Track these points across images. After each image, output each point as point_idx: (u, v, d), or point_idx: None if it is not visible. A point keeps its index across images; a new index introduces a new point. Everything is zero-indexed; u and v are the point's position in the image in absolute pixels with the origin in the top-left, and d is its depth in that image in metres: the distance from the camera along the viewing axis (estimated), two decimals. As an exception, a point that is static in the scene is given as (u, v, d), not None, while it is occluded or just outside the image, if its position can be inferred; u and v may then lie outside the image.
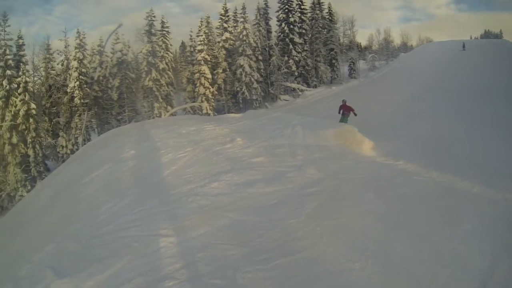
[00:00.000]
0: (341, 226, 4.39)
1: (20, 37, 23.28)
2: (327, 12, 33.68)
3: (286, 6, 30.69)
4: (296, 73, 29.96)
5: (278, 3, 31.12)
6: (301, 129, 7.15)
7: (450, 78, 24.09)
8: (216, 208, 4.69)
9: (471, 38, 55.07)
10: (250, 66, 27.66)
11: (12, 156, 21.06)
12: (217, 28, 29.75)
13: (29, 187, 20.82)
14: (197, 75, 26.48)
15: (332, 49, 32.80)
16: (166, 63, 25.72)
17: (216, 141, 7.54)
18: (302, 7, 31.59)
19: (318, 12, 32.54)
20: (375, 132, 9.99)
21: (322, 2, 33.23)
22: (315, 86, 30.75)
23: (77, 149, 22.29)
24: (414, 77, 27.57)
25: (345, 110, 14.55)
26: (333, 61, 32.92)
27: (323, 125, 7.81)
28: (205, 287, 3.51)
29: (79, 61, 24.64)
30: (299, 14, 31.20)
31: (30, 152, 21.63)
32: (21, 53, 23.26)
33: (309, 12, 32.27)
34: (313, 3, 32.68)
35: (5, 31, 21.92)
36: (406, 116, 14.91)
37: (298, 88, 29.63)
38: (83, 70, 24.78)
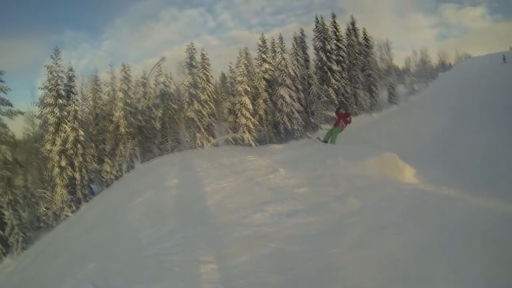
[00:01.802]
0: (381, 256, 4.26)
1: (70, 69, 24.69)
2: (362, 38, 33.29)
3: (322, 34, 30.91)
4: (336, 102, 29.74)
5: (314, 31, 31.37)
6: (343, 158, 7.09)
7: (493, 95, 22.84)
8: (258, 237, 4.72)
9: (510, 48, 52.61)
10: (290, 96, 27.79)
11: (60, 178, 22.23)
12: (256, 59, 30.16)
13: (74, 208, 21.83)
14: (238, 105, 26.91)
15: (370, 75, 32.38)
16: (208, 94, 26.47)
17: (258, 171, 7.59)
18: (338, 34, 31.62)
19: (353, 38, 32.39)
20: (417, 158, 9.73)
21: (357, 28, 33.05)
22: (355, 114, 30.34)
23: (120, 175, 23.21)
24: (454, 97, 26.60)
25: (340, 118, 13.93)
26: (372, 87, 32.48)
27: (365, 153, 7.70)
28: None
29: (124, 92, 25.96)
30: (335, 41, 31.23)
31: (77, 175, 22.73)
32: (71, 83, 24.60)
33: (345, 39, 32.18)
34: (348, 29, 32.60)
35: (57, 63, 23.52)
36: (449, 139, 14.39)
37: (338, 117, 29.38)
38: (128, 100, 26.08)
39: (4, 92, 21.76)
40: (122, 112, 25.34)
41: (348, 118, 14.09)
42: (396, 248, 4.44)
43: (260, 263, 4.23)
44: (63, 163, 22.40)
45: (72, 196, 22.44)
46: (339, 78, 30.12)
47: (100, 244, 7.03)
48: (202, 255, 4.58)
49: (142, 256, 5.16)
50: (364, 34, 33.43)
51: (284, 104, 27.72)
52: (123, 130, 25.17)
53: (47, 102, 23.09)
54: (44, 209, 22.15)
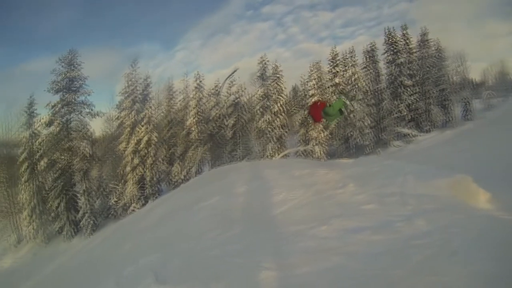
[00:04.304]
0: (447, 284, 4.01)
1: (147, 78, 27.00)
2: (435, 49, 31.62)
3: (393, 47, 30.18)
4: (408, 118, 28.81)
5: (385, 44, 30.70)
6: (413, 178, 6.77)
7: None
8: (321, 250, 4.66)
9: None
10: (362, 111, 27.58)
11: (131, 175, 24.44)
12: (327, 72, 30.10)
13: (141, 203, 23.75)
14: (310, 118, 26.97)
15: (443, 89, 30.67)
16: (280, 106, 27.04)
17: (328, 185, 7.46)
18: (409, 46, 30.64)
19: (425, 50, 31.03)
20: (494, 182, 8.93)
21: (429, 39, 31.57)
22: (428, 131, 29.08)
23: (189, 178, 24.42)
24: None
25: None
26: (445, 102, 30.73)
27: (436, 174, 7.26)
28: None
29: (197, 101, 27.36)
30: (407, 54, 30.26)
31: (148, 174, 24.74)
32: (147, 90, 26.84)
33: (417, 51, 30.98)
34: (419, 41, 31.36)
35: (135, 71, 26.14)
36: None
37: (410, 134, 28.23)
38: (201, 108, 27.44)
39: (87, 95, 25.22)
40: (195, 119, 26.79)
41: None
42: (463, 277, 4.13)
43: (320, 276, 4.18)
44: (136, 162, 24.41)
45: (141, 192, 24.60)
46: (411, 93, 29.05)
47: (164, 239, 7.27)
48: (263, 261, 4.60)
49: (205, 256, 5.29)
50: (437, 45, 31.74)
51: (355, 118, 27.40)
52: (194, 136, 26.57)
53: (125, 106, 25.58)
54: (115, 201, 24.60)
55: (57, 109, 24.36)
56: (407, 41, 30.69)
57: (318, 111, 9.06)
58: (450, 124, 30.24)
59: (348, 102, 9.32)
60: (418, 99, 29.19)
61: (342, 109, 9.23)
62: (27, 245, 23.88)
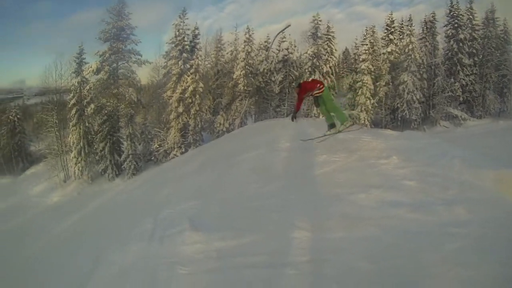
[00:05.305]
0: (474, 280, 3.93)
1: (196, 28, 27.10)
2: (501, 30, 29.24)
3: (456, 21, 28.07)
4: (461, 99, 27.42)
5: (447, 16, 28.56)
6: (459, 162, 6.51)
7: None
8: (358, 218, 4.67)
9: None
10: (413, 84, 26.44)
11: (175, 122, 25.34)
12: (382, 39, 29.08)
13: (183, 150, 24.93)
14: (359, 84, 26.50)
15: (505, 76, 28.69)
16: (330, 67, 26.61)
17: (371, 153, 7.28)
18: (474, 22, 28.52)
19: (491, 29, 28.69)
20: None
21: (497, 18, 29.14)
22: (480, 117, 27.75)
23: (232, 129, 25.13)
24: None
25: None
26: (505, 90, 28.90)
27: (484, 163, 6.92)
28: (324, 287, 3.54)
29: (247, 53, 27.15)
30: (470, 31, 28.14)
31: (191, 122, 25.44)
32: (196, 41, 27.01)
33: (481, 29, 28.79)
34: (486, 18, 28.98)
35: (184, 22, 26.18)
36: None
37: (460, 116, 26.97)
38: (250, 61, 27.28)
39: (135, 44, 26.59)
40: (243, 71, 26.73)
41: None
42: (492, 276, 4.02)
43: (354, 244, 4.23)
44: (180, 110, 25.20)
45: (183, 139, 25.55)
46: (468, 73, 27.44)
47: (203, 186, 7.43)
48: (299, 220, 4.67)
49: (242, 208, 5.38)
50: (505, 26, 29.26)
51: (406, 90, 26.46)
52: (241, 88, 26.72)
53: (173, 55, 26.05)
54: (157, 146, 25.78)
55: (105, 57, 25.97)
56: (472, 16, 28.56)
57: (304, 90, 8.83)
58: (505, 114, 28.59)
59: (341, 129, 8.91)
60: (474, 81, 27.57)
61: (334, 122, 8.97)
62: (74, 183, 26.51)
